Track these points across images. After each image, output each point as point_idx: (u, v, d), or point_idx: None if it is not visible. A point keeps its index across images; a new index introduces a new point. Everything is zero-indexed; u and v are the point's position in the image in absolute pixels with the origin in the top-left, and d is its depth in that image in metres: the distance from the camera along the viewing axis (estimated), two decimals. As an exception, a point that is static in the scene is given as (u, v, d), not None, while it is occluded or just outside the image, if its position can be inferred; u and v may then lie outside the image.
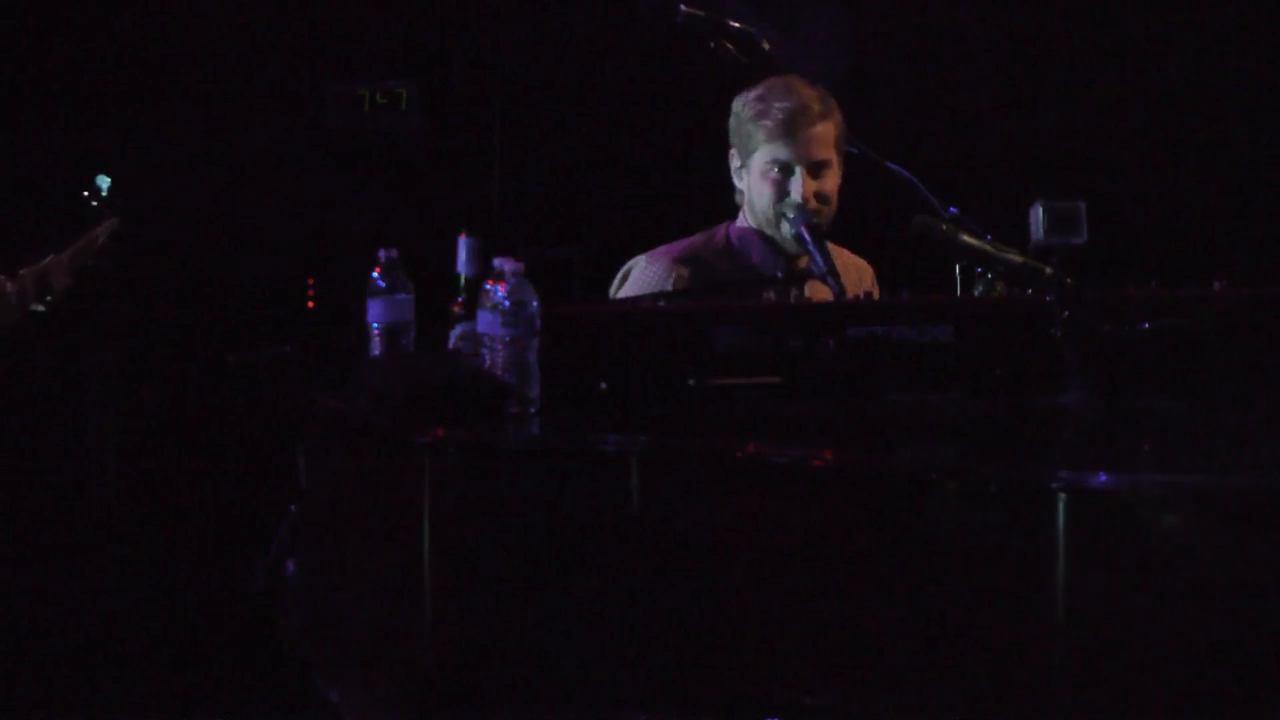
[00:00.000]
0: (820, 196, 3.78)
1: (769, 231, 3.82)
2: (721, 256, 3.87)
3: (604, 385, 3.16)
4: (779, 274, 3.69)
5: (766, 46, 3.91)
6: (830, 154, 3.79)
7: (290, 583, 3.27)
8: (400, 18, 5.55)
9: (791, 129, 3.76)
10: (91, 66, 5.37)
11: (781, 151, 3.78)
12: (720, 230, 3.91)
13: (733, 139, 3.86)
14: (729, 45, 3.89)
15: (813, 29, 4.76)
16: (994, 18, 5.39)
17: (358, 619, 3.04)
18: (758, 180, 3.81)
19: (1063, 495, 2.42)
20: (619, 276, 3.88)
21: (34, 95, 5.30)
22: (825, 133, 3.78)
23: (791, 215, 3.74)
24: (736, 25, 3.90)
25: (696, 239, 3.91)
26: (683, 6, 3.85)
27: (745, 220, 3.88)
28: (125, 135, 5.28)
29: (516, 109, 5.46)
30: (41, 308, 3.90)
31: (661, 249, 3.88)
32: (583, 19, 5.36)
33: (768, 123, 3.77)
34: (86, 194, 3.92)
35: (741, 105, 3.83)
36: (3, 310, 3.89)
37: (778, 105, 3.77)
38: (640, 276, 3.83)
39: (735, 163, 3.87)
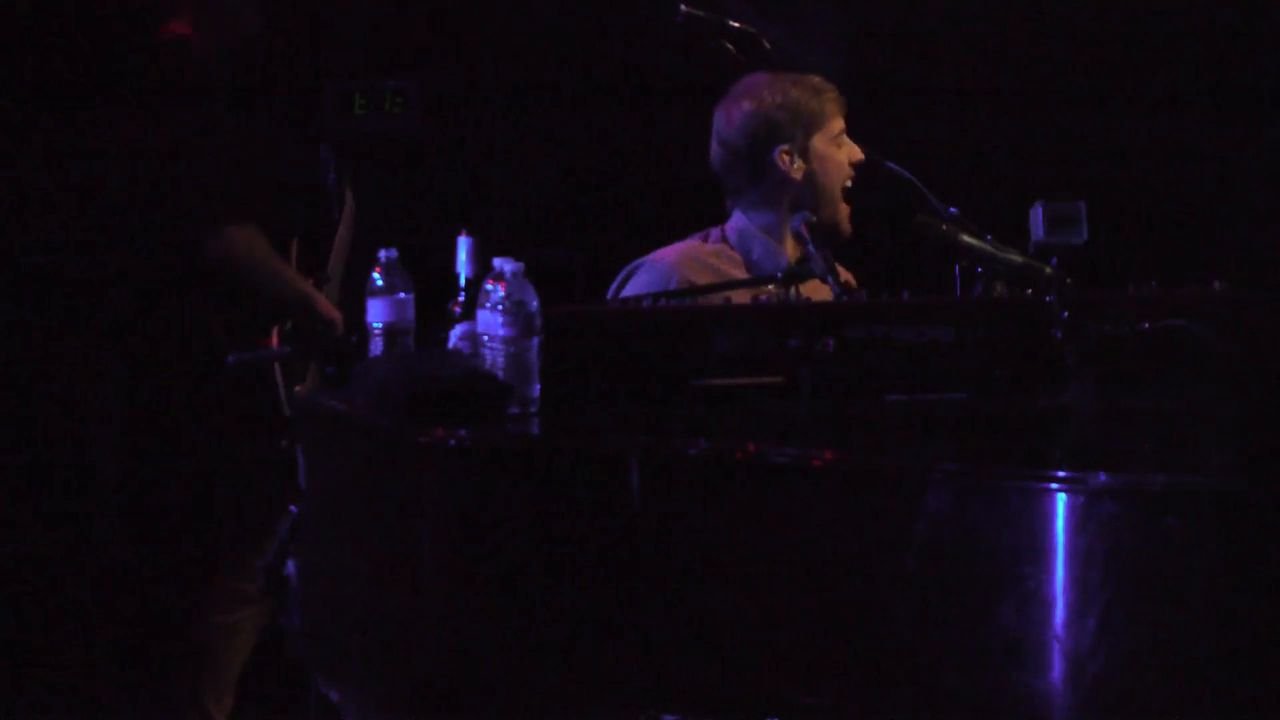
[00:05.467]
0: None
1: (829, 212, 3.83)
2: (722, 256, 3.86)
3: (604, 385, 3.16)
4: (779, 274, 3.69)
5: (767, 46, 3.91)
6: None
7: (290, 583, 3.26)
8: (400, 17, 5.54)
9: (840, 102, 3.86)
10: (88, 65, 5.36)
11: (840, 120, 3.85)
12: (714, 233, 3.90)
13: (776, 133, 3.82)
14: (729, 45, 3.88)
15: (813, 27, 4.76)
16: (994, 17, 5.39)
17: (358, 619, 3.04)
18: (831, 151, 3.83)
19: (1062, 495, 2.43)
20: (618, 279, 3.87)
21: (27, 96, 5.30)
22: None
23: (798, 214, 3.75)
24: (736, 25, 3.90)
25: (692, 241, 3.90)
26: (683, 6, 3.85)
27: (747, 218, 3.86)
28: (121, 134, 5.27)
29: (516, 108, 5.46)
30: None
31: (661, 252, 3.87)
32: (582, 18, 5.36)
33: (830, 93, 3.84)
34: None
35: (785, 93, 3.83)
36: None
37: (816, 82, 3.84)
38: (640, 280, 3.82)
39: (786, 158, 3.82)
